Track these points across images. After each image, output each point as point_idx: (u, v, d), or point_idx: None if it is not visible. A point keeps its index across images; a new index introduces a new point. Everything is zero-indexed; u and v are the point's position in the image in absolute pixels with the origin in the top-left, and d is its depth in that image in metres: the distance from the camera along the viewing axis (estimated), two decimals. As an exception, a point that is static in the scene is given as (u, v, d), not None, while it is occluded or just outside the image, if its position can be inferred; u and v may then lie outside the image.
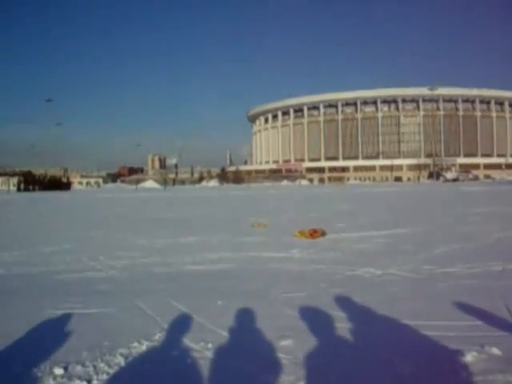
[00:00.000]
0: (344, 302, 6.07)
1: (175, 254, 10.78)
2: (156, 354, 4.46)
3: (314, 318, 5.44)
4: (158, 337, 4.91)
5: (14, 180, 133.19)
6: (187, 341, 4.75)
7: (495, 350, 4.27)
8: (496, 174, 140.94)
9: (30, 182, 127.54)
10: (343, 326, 5.13)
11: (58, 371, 4.02)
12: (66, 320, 5.55)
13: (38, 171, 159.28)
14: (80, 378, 3.93)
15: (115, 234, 14.93)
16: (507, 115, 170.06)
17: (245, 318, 5.53)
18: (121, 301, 6.49)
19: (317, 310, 5.76)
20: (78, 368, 4.10)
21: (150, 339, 4.82)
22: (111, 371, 4.06)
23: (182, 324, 5.32)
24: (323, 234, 13.31)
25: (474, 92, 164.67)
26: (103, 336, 4.93)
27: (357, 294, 6.50)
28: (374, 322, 5.33)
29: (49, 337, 4.99)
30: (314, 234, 13.03)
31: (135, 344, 4.67)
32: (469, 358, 4.12)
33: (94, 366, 4.13)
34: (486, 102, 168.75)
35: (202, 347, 4.57)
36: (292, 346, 4.53)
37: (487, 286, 6.93)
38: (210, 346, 4.60)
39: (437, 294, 6.52)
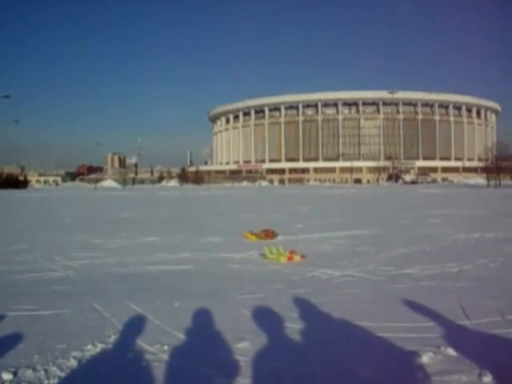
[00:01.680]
0: (302, 304, 6.05)
1: (133, 254, 10.66)
2: (110, 356, 4.36)
3: (271, 320, 5.40)
4: (113, 339, 4.80)
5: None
6: (143, 343, 4.66)
7: (451, 351, 4.30)
8: (453, 177, 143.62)
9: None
10: (300, 327, 5.11)
11: (7, 376, 3.86)
12: (17, 322, 5.39)
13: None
14: (30, 383, 3.80)
15: (72, 234, 14.69)
16: (464, 120, 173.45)
17: (202, 320, 5.46)
18: (76, 302, 6.35)
19: (274, 311, 5.73)
20: (29, 372, 3.95)
21: (105, 341, 4.71)
22: (63, 375, 3.94)
23: (137, 326, 5.22)
24: (274, 235, 13.21)
25: (432, 96, 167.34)
26: (56, 338, 4.80)
27: (315, 296, 6.49)
28: (332, 324, 5.32)
29: (-2, 340, 4.83)
30: (266, 235, 13.00)
31: (89, 346, 4.55)
32: (425, 358, 4.13)
33: (46, 370, 3.99)
34: (444, 106, 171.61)
35: (157, 349, 4.48)
36: (248, 349, 4.48)
37: (444, 288, 7.01)
38: (165, 348, 4.52)
39: (394, 295, 6.55)
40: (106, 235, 14.28)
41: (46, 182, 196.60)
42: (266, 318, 5.51)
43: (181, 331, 5.02)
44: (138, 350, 4.48)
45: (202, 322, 5.39)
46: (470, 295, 6.44)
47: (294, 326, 5.14)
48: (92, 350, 4.49)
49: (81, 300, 6.48)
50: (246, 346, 4.56)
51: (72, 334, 4.94)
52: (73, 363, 4.16)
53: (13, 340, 4.75)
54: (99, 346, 4.57)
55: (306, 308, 5.88)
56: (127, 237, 13.78)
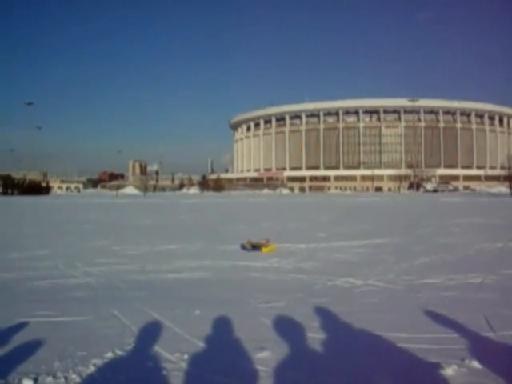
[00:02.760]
0: (323, 313, 5.99)
1: (153, 261, 10.67)
2: (130, 364, 4.34)
3: (292, 330, 5.35)
4: (133, 347, 4.79)
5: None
6: (162, 351, 4.64)
7: (475, 364, 4.22)
8: (475, 186, 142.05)
9: (9, 185, 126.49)
10: (321, 337, 5.05)
11: (27, 383, 3.89)
12: (38, 328, 5.40)
13: (18, 175, 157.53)
14: (50, 390, 3.80)
15: (93, 241, 14.75)
16: (487, 128, 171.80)
17: (222, 328, 5.43)
18: (96, 309, 6.36)
19: (295, 320, 5.68)
20: (49, 379, 3.96)
21: (125, 349, 4.70)
22: (83, 382, 3.94)
23: (157, 333, 5.20)
24: (266, 245, 12.40)
25: (454, 104, 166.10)
26: (76, 345, 4.80)
27: (336, 305, 6.43)
28: (353, 334, 5.26)
29: (19, 346, 4.83)
30: (263, 245, 12.36)
31: (109, 354, 4.54)
32: (449, 371, 4.06)
33: (66, 378, 4.00)
34: (466, 114, 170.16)
35: (177, 358, 4.46)
36: (269, 358, 4.43)
37: (467, 298, 6.90)
38: (185, 356, 4.49)
39: (416, 305, 6.46)
40: (126, 242, 14.32)
41: (68, 188, 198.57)
42: (286, 327, 5.46)
43: (201, 340, 4.99)
44: (158, 359, 4.46)
45: (222, 331, 5.36)
46: (493, 306, 6.32)
47: (314, 336, 5.08)
48: (112, 357, 4.49)
49: (101, 307, 6.48)
50: (266, 355, 4.52)
51: (92, 342, 4.93)
52: (92, 371, 4.16)
53: (33, 346, 4.76)
54: (119, 354, 4.57)
55: (326, 317, 5.82)
56: (147, 244, 13.80)
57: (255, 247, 12.32)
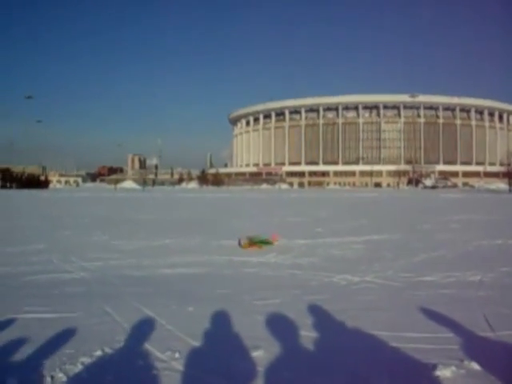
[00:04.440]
0: (318, 311, 5.88)
1: (149, 256, 10.57)
2: (119, 363, 4.23)
3: (287, 328, 5.24)
4: (123, 345, 4.68)
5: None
6: (153, 349, 4.53)
7: (474, 365, 4.11)
8: (474, 182, 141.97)
9: (8, 179, 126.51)
10: (316, 336, 4.95)
11: (12, 382, 3.77)
12: (27, 325, 5.29)
13: (17, 169, 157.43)
14: (35, 390, 3.68)
15: (90, 235, 14.65)
16: (486, 124, 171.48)
17: (216, 326, 5.32)
18: (88, 305, 6.25)
19: (290, 318, 5.57)
20: (34, 378, 3.85)
21: (115, 347, 4.59)
22: (70, 382, 3.82)
23: (149, 331, 5.09)
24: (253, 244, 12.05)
25: (454, 100, 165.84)
26: (65, 343, 4.69)
27: (332, 302, 6.33)
28: (349, 333, 5.15)
29: (6, 344, 4.70)
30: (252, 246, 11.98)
31: (98, 352, 4.43)
32: (447, 373, 3.95)
33: (52, 377, 3.88)
34: (466, 110, 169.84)
35: (168, 357, 4.35)
36: (263, 357, 4.32)
37: (466, 296, 6.79)
38: (177, 355, 4.38)
39: (414, 303, 6.35)
40: (123, 237, 14.23)
41: (66, 182, 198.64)
42: (281, 325, 5.35)
43: (194, 338, 4.88)
44: (149, 357, 4.34)
45: (216, 329, 5.25)
46: (493, 305, 6.21)
47: (309, 334, 4.98)
48: (101, 355, 4.38)
49: (93, 303, 6.38)
50: (260, 354, 4.41)
51: (82, 339, 4.82)
52: (80, 369, 4.05)
53: (21, 344, 4.65)
54: (108, 352, 4.45)
55: (322, 315, 5.71)
56: (145, 238, 13.71)
57: (254, 245, 12.01)
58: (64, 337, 4.89)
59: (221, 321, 5.51)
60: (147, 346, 4.65)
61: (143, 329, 5.19)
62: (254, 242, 12.07)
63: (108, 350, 4.49)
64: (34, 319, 5.55)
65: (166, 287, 7.53)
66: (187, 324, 5.35)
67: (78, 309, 6.03)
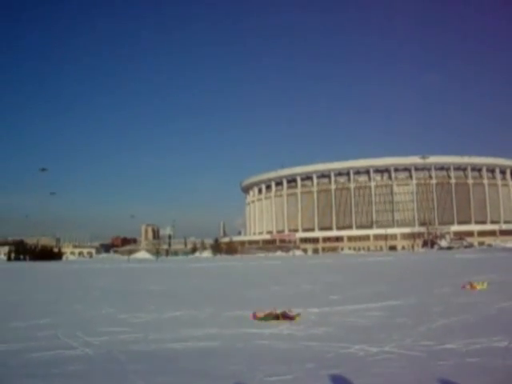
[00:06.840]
0: (335, 387, 5.48)
1: (157, 330, 10.22)
2: None
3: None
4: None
5: (5, 249, 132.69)
6: None
7: None
8: (490, 241, 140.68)
9: (21, 251, 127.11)
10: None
11: None
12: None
13: (31, 240, 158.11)
14: None
15: (98, 308, 14.35)
16: (499, 182, 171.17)
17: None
18: (89, 385, 5.89)
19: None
20: None
21: None
22: None
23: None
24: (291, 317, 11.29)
25: (465, 160, 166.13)
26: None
27: (350, 377, 5.90)
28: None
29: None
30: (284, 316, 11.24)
31: None
32: None
33: None
34: (477, 169, 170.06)
35: None
36: None
37: (493, 365, 6.34)
38: None
39: (438, 375, 5.90)
40: (132, 309, 13.90)
41: (80, 253, 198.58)
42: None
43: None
44: None
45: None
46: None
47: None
48: None
49: (95, 383, 6.00)
50: None
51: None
52: None
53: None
54: None
55: (339, 392, 5.31)
56: (154, 311, 13.39)
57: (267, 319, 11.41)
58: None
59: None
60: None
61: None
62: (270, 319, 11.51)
63: None
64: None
65: (174, 364, 7.16)
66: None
67: (78, 390, 5.67)
